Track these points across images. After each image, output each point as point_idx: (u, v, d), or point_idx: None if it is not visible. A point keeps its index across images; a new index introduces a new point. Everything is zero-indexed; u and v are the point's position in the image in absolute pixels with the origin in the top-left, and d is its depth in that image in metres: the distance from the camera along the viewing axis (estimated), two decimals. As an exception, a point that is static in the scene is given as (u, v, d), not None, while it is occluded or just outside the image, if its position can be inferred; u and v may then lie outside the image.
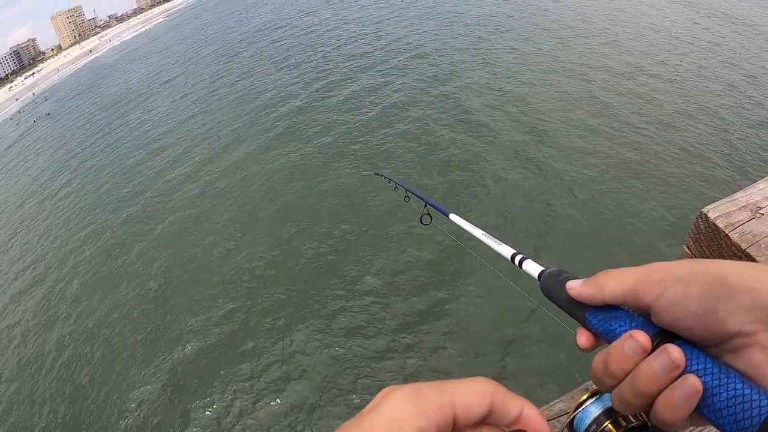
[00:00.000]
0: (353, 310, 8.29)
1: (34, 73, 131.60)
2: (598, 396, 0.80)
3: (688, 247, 1.06)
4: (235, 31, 48.24)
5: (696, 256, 1.03)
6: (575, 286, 0.54)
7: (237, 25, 53.49)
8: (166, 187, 16.12)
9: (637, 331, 0.46)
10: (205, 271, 10.57)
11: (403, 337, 7.51)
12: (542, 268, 0.68)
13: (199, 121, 21.42)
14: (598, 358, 0.49)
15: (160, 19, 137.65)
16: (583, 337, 0.54)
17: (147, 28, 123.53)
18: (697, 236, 1.02)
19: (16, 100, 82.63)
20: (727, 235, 0.94)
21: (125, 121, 28.54)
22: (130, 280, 11.65)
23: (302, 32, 34.10)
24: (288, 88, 21.85)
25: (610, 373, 0.47)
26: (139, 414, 8.04)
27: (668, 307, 0.45)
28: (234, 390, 7.65)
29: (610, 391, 0.49)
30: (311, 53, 27.46)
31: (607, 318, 0.51)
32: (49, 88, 77.38)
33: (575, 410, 0.81)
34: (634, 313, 0.50)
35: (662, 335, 0.46)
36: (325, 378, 7.24)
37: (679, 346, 0.43)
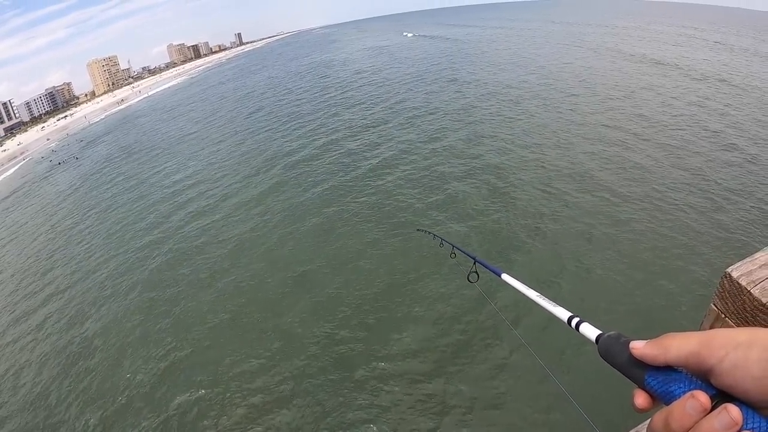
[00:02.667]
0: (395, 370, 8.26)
1: (66, 116, 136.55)
2: None
3: (714, 304, 1.15)
4: (251, 88, 50.26)
5: (722, 312, 1.13)
6: (639, 347, 0.59)
7: (254, 83, 55.98)
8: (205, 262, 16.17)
9: (698, 391, 0.50)
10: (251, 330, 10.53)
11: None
12: (600, 332, 0.73)
13: (230, 180, 21.79)
14: (658, 417, 0.52)
15: (191, 74, 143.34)
16: (641, 398, 0.58)
17: (177, 81, 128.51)
18: (722, 294, 1.11)
19: (47, 140, 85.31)
20: (749, 291, 1.02)
21: (149, 167, 29.31)
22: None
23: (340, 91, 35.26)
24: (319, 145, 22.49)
25: (669, 431, 0.50)
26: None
27: (729, 370, 0.49)
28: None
29: None
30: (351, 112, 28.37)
31: (666, 380, 0.55)
32: (79, 131, 79.83)
33: None
34: (693, 377, 0.54)
35: (720, 396, 0.50)
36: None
37: (737, 406, 0.47)
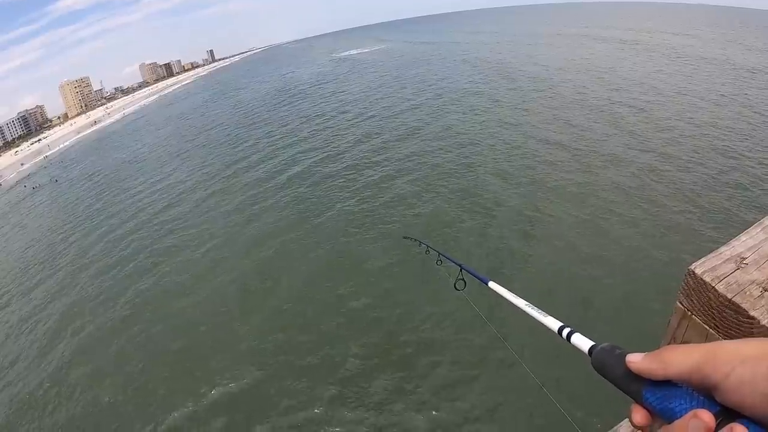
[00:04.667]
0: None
1: (40, 139, 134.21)
2: None
3: (680, 302, 1.12)
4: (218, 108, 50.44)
5: (688, 310, 1.09)
6: (636, 360, 0.54)
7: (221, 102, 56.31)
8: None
9: (702, 410, 0.46)
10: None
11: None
12: (593, 343, 0.69)
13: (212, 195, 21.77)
14: None
15: (164, 93, 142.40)
16: (639, 414, 0.53)
17: (151, 99, 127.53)
18: (687, 291, 1.08)
19: (22, 165, 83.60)
20: (714, 287, 0.99)
21: (123, 187, 29.14)
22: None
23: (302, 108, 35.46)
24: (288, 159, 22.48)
25: None
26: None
27: (736, 387, 0.45)
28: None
29: None
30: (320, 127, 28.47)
31: (666, 396, 0.50)
32: (54, 154, 78.54)
33: None
34: (694, 392, 0.49)
35: (724, 413, 0.46)
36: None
37: (743, 424, 0.44)
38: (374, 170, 18.07)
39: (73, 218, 26.68)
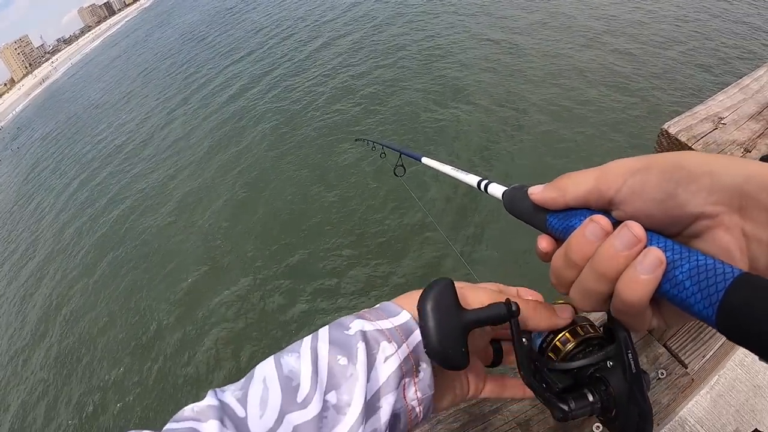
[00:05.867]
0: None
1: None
2: None
3: None
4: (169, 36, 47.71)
5: None
6: (537, 191, 0.53)
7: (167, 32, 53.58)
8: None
9: (598, 215, 0.45)
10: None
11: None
12: (505, 188, 0.66)
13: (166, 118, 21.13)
14: (558, 254, 0.49)
15: (108, 33, 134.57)
16: (544, 241, 0.53)
17: (96, 44, 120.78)
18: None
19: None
20: (691, 147, 0.92)
21: (85, 137, 27.89)
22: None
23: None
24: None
25: (570, 263, 0.46)
26: None
27: (628, 197, 0.44)
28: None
29: (568, 291, 0.49)
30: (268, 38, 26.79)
31: (567, 216, 0.50)
32: (7, 123, 75.50)
33: None
34: (593, 212, 0.47)
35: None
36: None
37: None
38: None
39: (43, 183, 25.40)
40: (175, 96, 24.85)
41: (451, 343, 0.54)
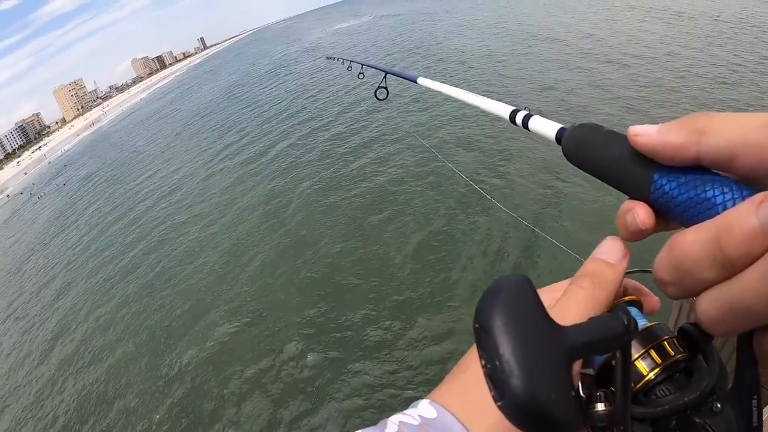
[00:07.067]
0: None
1: (40, 147, 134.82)
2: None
3: None
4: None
5: None
6: (649, 132, 0.32)
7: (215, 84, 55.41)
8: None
9: None
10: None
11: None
12: (560, 125, 0.54)
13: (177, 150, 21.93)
14: (694, 239, 0.27)
15: (158, 86, 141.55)
16: (642, 212, 0.33)
17: (146, 94, 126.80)
18: None
19: (25, 174, 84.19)
20: None
21: (125, 182, 28.84)
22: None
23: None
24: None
25: (718, 259, 0.25)
26: None
27: None
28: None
29: (686, 296, 0.29)
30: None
31: (696, 180, 0.30)
32: (56, 160, 78.01)
33: None
34: (739, 182, 0.29)
35: None
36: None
37: None
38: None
39: (82, 219, 26.76)
40: (216, 149, 26.37)
41: (550, 384, 0.25)
